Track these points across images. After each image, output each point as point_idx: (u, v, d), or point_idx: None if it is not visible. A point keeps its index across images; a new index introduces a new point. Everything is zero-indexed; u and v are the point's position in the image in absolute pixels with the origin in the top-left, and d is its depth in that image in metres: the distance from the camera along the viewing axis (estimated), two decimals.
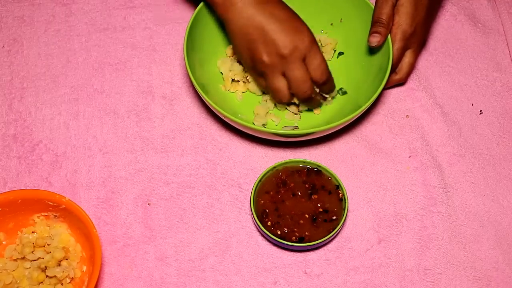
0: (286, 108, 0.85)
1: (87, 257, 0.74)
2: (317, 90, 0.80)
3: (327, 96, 0.83)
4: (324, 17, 0.89)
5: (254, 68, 0.78)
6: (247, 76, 0.85)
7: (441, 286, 0.76)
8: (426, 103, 0.87)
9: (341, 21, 0.88)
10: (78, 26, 0.92)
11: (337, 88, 0.85)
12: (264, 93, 0.85)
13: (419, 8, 0.80)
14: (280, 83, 0.77)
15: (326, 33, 0.88)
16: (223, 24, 0.79)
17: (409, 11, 0.80)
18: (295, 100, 0.81)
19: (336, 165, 0.82)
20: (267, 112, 0.84)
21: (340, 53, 0.89)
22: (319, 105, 0.84)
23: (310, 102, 0.81)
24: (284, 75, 0.76)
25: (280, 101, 0.79)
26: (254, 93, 0.86)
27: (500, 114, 0.87)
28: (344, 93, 0.85)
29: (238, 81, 0.85)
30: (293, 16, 0.76)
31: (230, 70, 0.86)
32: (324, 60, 0.77)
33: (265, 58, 0.75)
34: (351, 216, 0.80)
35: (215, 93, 0.84)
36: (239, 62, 0.85)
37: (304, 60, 0.75)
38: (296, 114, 0.84)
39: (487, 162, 0.83)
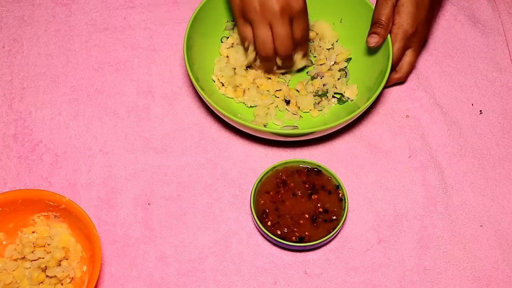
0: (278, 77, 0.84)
1: (87, 257, 0.74)
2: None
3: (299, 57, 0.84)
4: (324, 17, 0.89)
5: (243, 15, 0.77)
6: (234, 81, 0.85)
7: (441, 286, 0.76)
8: (426, 103, 0.87)
9: (341, 21, 0.88)
10: (78, 26, 0.92)
11: (337, 95, 0.85)
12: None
13: (420, 8, 0.80)
14: (266, 34, 0.77)
15: (341, 44, 0.88)
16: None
17: (410, 11, 0.80)
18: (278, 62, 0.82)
19: (336, 165, 0.82)
20: (267, 113, 0.84)
21: (348, 59, 0.88)
22: (292, 67, 0.85)
23: (289, 62, 0.82)
24: (270, 29, 0.77)
25: (265, 54, 0.79)
26: (232, 98, 0.85)
27: (500, 114, 0.87)
28: (345, 101, 0.85)
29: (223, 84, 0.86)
30: None
31: (220, 70, 0.85)
32: (308, 27, 0.80)
33: (257, 7, 0.75)
34: (351, 216, 0.80)
35: (215, 93, 0.85)
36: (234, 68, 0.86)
37: (291, 21, 0.76)
38: (295, 114, 0.84)
39: (487, 162, 0.83)
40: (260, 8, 0.75)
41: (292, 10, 0.75)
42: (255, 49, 0.80)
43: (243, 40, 0.80)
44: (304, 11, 0.77)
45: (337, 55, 0.87)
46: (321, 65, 0.87)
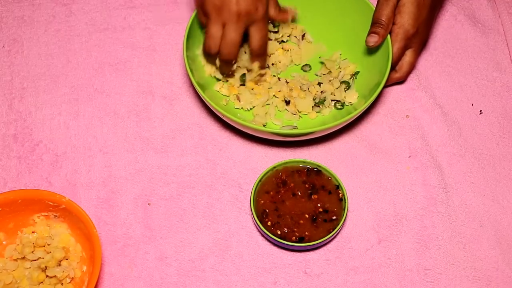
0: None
1: (87, 257, 0.74)
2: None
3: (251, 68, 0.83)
4: (325, 17, 0.89)
5: (203, 6, 0.77)
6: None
7: (441, 286, 0.76)
8: (426, 103, 0.87)
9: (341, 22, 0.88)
10: (78, 26, 0.92)
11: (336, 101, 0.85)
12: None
13: (422, 8, 0.80)
14: (218, 33, 0.77)
15: (345, 58, 0.87)
16: None
17: (411, 11, 0.80)
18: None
19: (336, 165, 0.82)
20: (266, 113, 0.84)
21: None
22: (229, 73, 0.84)
23: (228, 67, 0.81)
24: (223, 27, 0.76)
25: (207, 50, 0.78)
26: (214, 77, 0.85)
27: (500, 114, 0.87)
28: (340, 108, 0.84)
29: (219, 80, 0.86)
30: None
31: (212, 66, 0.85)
32: (267, 36, 0.79)
33: (217, 3, 0.75)
34: (351, 216, 0.80)
35: (215, 93, 0.85)
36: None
37: (249, 26, 0.76)
38: (294, 114, 0.84)
39: (487, 162, 0.83)
40: (220, 4, 0.75)
41: (250, 16, 0.75)
42: (203, 43, 0.79)
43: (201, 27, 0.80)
44: (263, 19, 0.77)
45: (342, 69, 0.86)
46: (328, 73, 0.87)
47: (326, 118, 0.84)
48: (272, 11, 0.81)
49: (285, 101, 0.84)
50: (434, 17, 0.85)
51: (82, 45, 0.91)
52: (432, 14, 0.83)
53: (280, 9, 0.83)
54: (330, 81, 0.85)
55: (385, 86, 0.87)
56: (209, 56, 0.80)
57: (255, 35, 0.78)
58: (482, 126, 0.86)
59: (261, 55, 0.81)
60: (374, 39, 0.80)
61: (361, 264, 0.77)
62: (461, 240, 0.78)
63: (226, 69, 0.83)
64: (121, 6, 0.94)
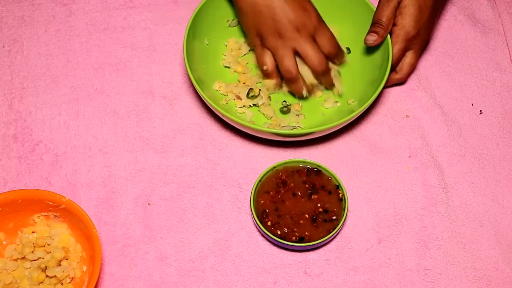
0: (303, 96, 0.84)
1: (87, 257, 0.74)
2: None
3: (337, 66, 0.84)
4: (325, 17, 0.88)
5: (262, 43, 0.79)
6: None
7: (441, 286, 0.76)
8: (426, 103, 0.87)
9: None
10: (78, 26, 0.92)
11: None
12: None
13: (423, 10, 0.80)
14: (288, 56, 0.78)
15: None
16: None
17: (412, 13, 0.80)
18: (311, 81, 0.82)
19: (336, 165, 0.82)
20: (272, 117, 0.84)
21: (348, 50, 0.88)
22: (331, 84, 0.84)
23: (328, 77, 0.82)
24: (295, 53, 0.78)
25: (289, 74, 0.80)
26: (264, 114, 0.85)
27: (500, 114, 0.87)
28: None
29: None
30: None
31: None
32: (332, 35, 0.80)
33: (275, 33, 0.77)
34: (351, 216, 0.80)
35: (215, 93, 0.85)
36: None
37: (313, 37, 0.78)
38: (298, 115, 0.84)
39: (487, 162, 0.83)
40: (278, 34, 0.77)
41: (309, 28, 0.77)
42: (281, 73, 0.81)
43: (262, 66, 0.81)
44: (320, 22, 0.79)
45: None
46: None
47: (327, 118, 0.84)
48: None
49: (285, 106, 0.84)
50: (435, 19, 0.85)
51: (82, 45, 0.91)
52: (433, 16, 0.83)
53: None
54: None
55: (385, 87, 0.87)
56: (294, 80, 0.81)
57: (322, 40, 0.79)
58: (482, 126, 0.86)
59: (338, 54, 0.82)
60: (373, 38, 0.80)
61: (361, 264, 0.77)
62: (461, 240, 0.78)
63: (328, 79, 0.83)
64: (121, 6, 0.94)
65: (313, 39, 0.78)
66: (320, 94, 0.85)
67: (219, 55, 0.88)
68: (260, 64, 0.82)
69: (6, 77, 0.88)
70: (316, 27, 0.78)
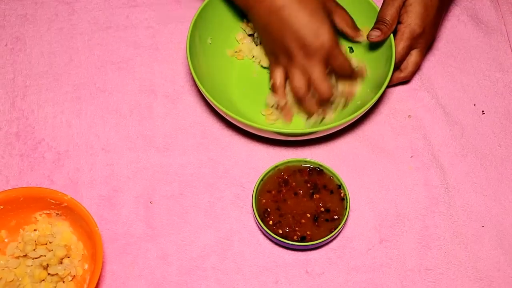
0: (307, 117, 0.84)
1: (88, 255, 0.74)
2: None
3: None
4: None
5: (275, 58, 0.79)
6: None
7: (442, 286, 0.76)
8: (428, 103, 0.87)
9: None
10: (81, 25, 0.92)
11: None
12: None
13: (429, 9, 0.80)
14: (302, 81, 0.78)
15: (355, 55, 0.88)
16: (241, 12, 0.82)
17: (418, 11, 0.80)
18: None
19: (338, 165, 0.82)
20: (276, 119, 0.84)
21: (351, 49, 0.88)
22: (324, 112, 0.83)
23: (328, 104, 0.81)
24: (305, 72, 0.77)
25: (300, 98, 0.79)
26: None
27: (502, 114, 0.87)
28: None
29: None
30: (319, 11, 0.76)
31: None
32: (346, 57, 0.79)
33: (292, 50, 0.76)
34: (353, 215, 0.80)
35: (218, 92, 0.85)
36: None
37: (327, 59, 0.77)
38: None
39: (489, 163, 0.83)
40: (295, 52, 0.76)
41: (326, 50, 0.76)
42: (291, 90, 0.80)
43: (273, 82, 0.81)
44: (336, 44, 0.77)
45: None
46: None
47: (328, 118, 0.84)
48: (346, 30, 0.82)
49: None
50: (441, 18, 0.85)
51: (84, 43, 0.91)
52: (439, 15, 0.83)
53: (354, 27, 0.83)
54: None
55: (390, 86, 0.87)
56: (302, 100, 0.80)
57: (337, 61, 0.77)
58: (484, 127, 0.86)
59: (351, 74, 0.81)
60: (376, 33, 0.80)
61: (362, 264, 0.77)
62: (462, 240, 0.78)
63: (327, 105, 0.82)
64: (124, 5, 0.94)
65: (327, 60, 0.77)
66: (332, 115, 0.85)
67: (222, 54, 0.88)
68: (273, 78, 0.81)
69: (8, 75, 0.88)
70: (332, 48, 0.76)
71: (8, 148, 0.83)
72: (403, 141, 0.84)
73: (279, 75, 0.80)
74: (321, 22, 0.75)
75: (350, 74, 0.80)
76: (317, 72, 0.77)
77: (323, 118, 0.82)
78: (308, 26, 0.75)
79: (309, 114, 0.82)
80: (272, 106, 0.83)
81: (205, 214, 0.79)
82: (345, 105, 0.83)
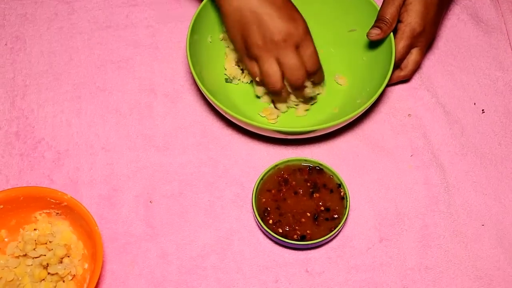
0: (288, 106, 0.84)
1: (88, 254, 0.74)
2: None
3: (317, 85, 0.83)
4: (328, 16, 0.88)
5: (247, 52, 0.77)
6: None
7: (442, 285, 0.76)
8: (428, 102, 0.87)
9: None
10: (81, 24, 0.92)
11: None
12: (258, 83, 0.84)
13: (429, 7, 0.80)
14: (273, 68, 0.76)
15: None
16: (217, 8, 0.79)
17: (418, 10, 0.80)
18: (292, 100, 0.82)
19: (337, 164, 0.82)
20: (277, 116, 0.84)
21: (352, 30, 0.88)
22: (308, 98, 0.84)
23: (302, 92, 0.81)
24: (277, 61, 0.76)
25: (273, 88, 0.77)
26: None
27: (502, 113, 0.87)
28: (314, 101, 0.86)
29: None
30: (288, 3, 0.75)
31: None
32: (315, 50, 0.77)
33: (259, 41, 0.74)
34: (353, 214, 0.80)
35: (218, 91, 0.85)
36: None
37: (297, 48, 0.75)
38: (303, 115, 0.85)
39: (489, 161, 0.83)
40: (262, 42, 0.74)
41: (294, 38, 0.74)
42: (264, 83, 0.79)
43: (253, 76, 0.80)
44: (306, 34, 0.75)
45: None
46: None
47: (329, 116, 0.84)
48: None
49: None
50: (441, 17, 0.85)
51: (84, 42, 0.91)
52: (439, 14, 0.83)
53: None
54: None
55: (390, 84, 0.87)
56: (276, 92, 0.79)
57: (305, 52, 0.76)
58: (484, 125, 0.86)
59: (317, 72, 0.79)
60: (376, 32, 0.80)
61: (362, 263, 0.77)
62: (462, 239, 0.78)
63: (300, 94, 0.82)
64: (124, 4, 0.94)
65: (296, 49, 0.75)
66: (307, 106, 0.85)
67: (221, 53, 0.88)
68: (252, 75, 0.80)
69: (8, 74, 0.88)
70: (301, 38, 0.75)
71: (8, 147, 0.83)
72: (403, 140, 0.84)
73: (258, 69, 0.78)
74: (291, 10, 0.75)
75: (317, 70, 0.79)
76: (290, 59, 0.75)
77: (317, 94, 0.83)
78: (281, 14, 0.73)
79: (283, 100, 0.82)
80: (262, 96, 0.84)
81: (205, 213, 0.79)
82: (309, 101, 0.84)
